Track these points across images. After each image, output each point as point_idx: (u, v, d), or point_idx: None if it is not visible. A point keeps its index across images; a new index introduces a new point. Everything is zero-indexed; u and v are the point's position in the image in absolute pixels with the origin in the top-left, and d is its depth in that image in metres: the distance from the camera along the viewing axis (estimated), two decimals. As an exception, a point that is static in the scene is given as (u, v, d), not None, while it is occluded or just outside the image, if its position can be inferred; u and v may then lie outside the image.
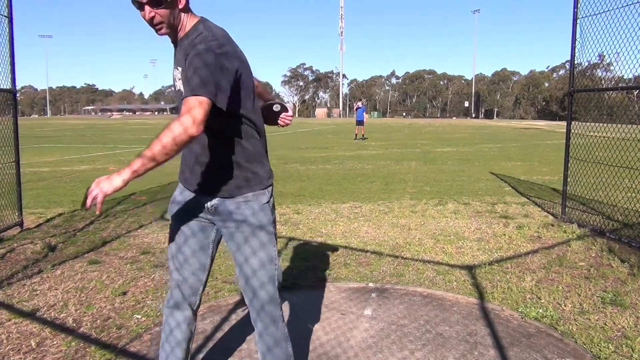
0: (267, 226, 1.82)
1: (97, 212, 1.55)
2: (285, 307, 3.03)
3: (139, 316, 2.87)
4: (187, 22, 1.70)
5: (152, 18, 1.63)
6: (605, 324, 2.78)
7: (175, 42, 1.75)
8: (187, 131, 1.48)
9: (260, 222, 1.80)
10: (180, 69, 1.70)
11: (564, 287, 3.34)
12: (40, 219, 5.32)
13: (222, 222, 1.81)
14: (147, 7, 1.61)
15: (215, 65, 1.56)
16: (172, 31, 1.70)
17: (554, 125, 48.50)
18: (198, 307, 1.96)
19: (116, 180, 1.49)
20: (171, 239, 1.88)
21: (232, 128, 1.75)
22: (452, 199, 6.62)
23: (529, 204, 6.27)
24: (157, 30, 1.67)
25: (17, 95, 4.87)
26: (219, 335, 2.67)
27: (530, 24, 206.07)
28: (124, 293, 3.21)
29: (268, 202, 1.84)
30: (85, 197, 1.49)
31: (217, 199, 1.79)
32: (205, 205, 1.81)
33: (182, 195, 1.88)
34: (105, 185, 1.50)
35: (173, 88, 1.83)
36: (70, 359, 2.39)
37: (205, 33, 1.66)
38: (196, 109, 1.50)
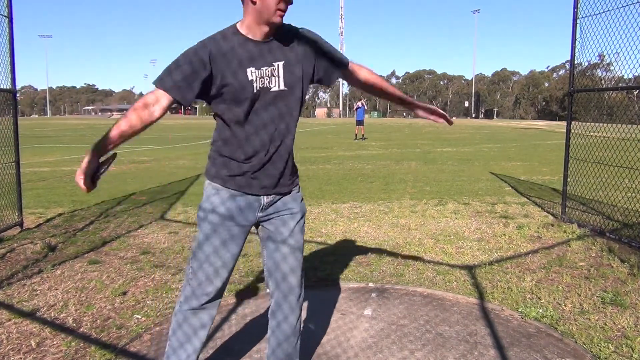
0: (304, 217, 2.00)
1: None
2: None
3: (139, 316, 2.87)
4: None
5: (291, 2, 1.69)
6: (605, 324, 2.78)
7: (269, 36, 1.73)
8: None
9: (305, 209, 1.98)
10: (276, 64, 1.73)
11: (564, 287, 3.34)
12: (40, 219, 5.32)
13: (272, 214, 1.88)
14: None
15: None
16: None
17: (554, 125, 48.49)
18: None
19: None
20: (209, 242, 1.82)
21: None
22: (452, 199, 6.62)
23: (529, 204, 6.27)
24: (282, 17, 1.68)
25: (17, 95, 4.86)
26: (218, 335, 2.67)
27: (530, 24, 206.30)
28: (124, 293, 3.21)
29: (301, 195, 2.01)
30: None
31: (275, 194, 1.86)
32: (259, 203, 1.84)
33: (232, 199, 1.80)
34: None
35: (246, 89, 1.70)
36: (70, 359, 2.39)
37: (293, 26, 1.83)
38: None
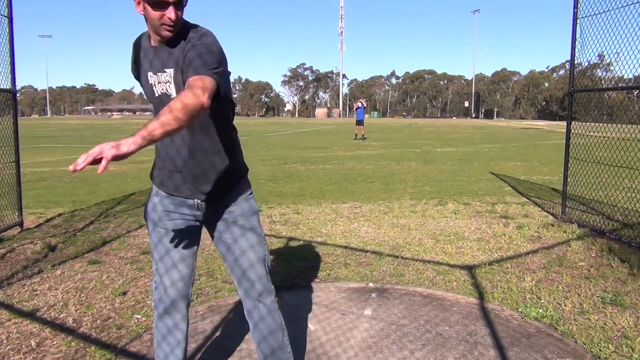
0: (257, 213, 1.94)
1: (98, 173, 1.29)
2: (285, 307, 3.03)
3: (139, 316, 2.87)
4: None
5: (177, 18, 1.61)
6: (605, 324, 2.78)
7: (164, 44, 1.68)
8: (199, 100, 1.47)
9: (252, 209, 1.91)
10: (168, 71, 1.68)
11: (564, 287, 3.34)
12: (40, 219, 5.32)
13: (213, 216, 1.86)
14: (172, 7, 1.58)
15: (222, 52, 1.67)
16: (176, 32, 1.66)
17: (554, 125, 48.50)
18: (190, 302, 1.96)
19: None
20: (158, 243, 1.85)
21: (227, 116, 1.83)
22: (452, 199, 6.62)
23: (529, 204, 6.27)
24: (171, 32, 1.63)
25: (17, 95, 4.86)
26: (219, 335, 2.67)
27: (530, 24, 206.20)
28: (124, 293, 3.21)
29: (252, 192, 1.95)
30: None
31: (209, 195, 1.82)
32: (195, 204, 1.83)
33: (170, 199, 1.83)
34: None
35: (152, 93, 1.75)
36: (70, 359, 2.39)
37: (200, 28, 1.69)
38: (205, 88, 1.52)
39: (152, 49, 1.72)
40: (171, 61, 1.68)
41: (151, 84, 1.74)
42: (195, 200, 1.82)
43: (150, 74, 1.73)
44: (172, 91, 1.70)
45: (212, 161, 1.78)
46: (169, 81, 1.70)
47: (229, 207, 1.85)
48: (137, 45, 1.79)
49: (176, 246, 1.85)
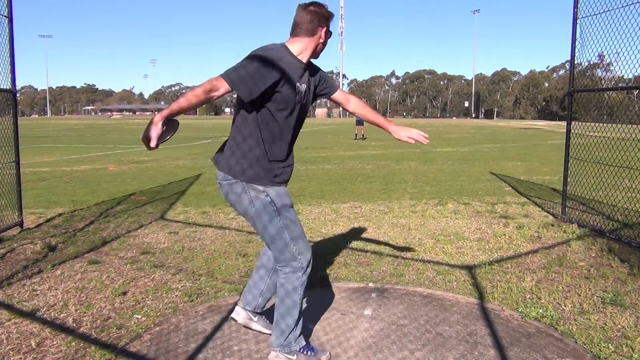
0: None
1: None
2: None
3: (139, 316, 2.87)
4: None
5: None
6: (605, 324, 2.78)
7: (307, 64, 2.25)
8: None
9: None
10: (308, 84, 2.26)
11: (564, 287, 3.34)
12: (40, 219, 5.32)
13: None
14: None
15: None
16: None
17: (554, 125, 48.51)
18: None
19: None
20: (297, 220, 2.30)
21: None
22: (452, 199, 6.62)
23: (529, 204, 6.27)
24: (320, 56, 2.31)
25: (17, 95, 4.86)
26: (219, 335, 2.67)
27: (530, 24, 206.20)
28: (124, 293, 3.21)
29: None
30: None
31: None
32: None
33: (283, 187, 2.27)
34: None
35: (295, 98, 2.20)
36: (70, 359, 2.39)
37: None
38: None
39: (303, 64, 2.21)
40: (309, 78, 2.27)
41: (297, 91, 2.18)
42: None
43: (298, 84, 2.19)
44: (306, 99, 2.26)
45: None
46: (306, 91, 2.24)
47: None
48: (285, 57, 2.13)
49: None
